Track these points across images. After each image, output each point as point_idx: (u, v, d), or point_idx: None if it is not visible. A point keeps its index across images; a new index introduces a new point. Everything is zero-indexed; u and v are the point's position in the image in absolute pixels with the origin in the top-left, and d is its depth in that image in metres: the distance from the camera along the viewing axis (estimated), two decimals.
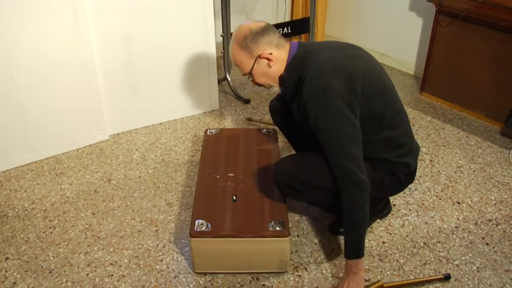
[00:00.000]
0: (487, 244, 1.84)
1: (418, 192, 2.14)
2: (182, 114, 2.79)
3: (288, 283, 1.67)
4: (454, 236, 1.88)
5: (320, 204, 1.84)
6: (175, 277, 1.70)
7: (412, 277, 1.69)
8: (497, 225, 1.94)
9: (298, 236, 1.89)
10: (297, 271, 1.72)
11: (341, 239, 1.84)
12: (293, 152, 2.17)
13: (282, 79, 1.64)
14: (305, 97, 1.50)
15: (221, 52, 3.09)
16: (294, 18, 3.80)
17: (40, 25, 2.10)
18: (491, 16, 2.43)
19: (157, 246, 1.84)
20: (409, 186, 2.15)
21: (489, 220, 1.97)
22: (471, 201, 2.09)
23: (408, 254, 1.79)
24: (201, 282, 1.67)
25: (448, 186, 2.19)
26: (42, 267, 1.74)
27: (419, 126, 2.71)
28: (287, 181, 1.64)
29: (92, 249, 1.82)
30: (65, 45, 2.21)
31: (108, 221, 1.97)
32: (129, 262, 1.76)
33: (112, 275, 1.70)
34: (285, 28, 3.07)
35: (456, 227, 1.93)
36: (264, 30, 1.60)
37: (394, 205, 2.05)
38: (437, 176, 2.25)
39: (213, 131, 2.19)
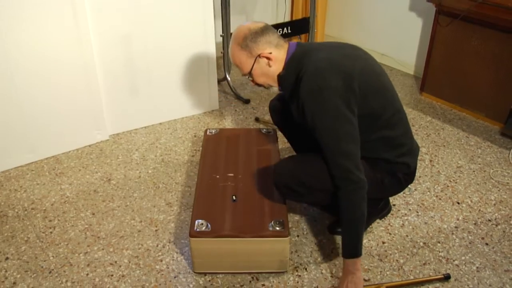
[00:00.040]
0: (486, 244, 1.84)
1: (418, 192, 2.14)
2: (182, 114, 2.79)
3: (288, 283, 1.67)
4: (454, 236, 1.88)
5: (319, 205, 1.84)
6: (175, 277, 1.70)
7: (411, 277, 1.69)
8: (496, 225, 1.94)
9: (298, 236, 1.89)
10: (297, 271, 1.72)
11: (341, 239, 1.84)
12: (293, 152, 2.17)
13: (280, 78, 1.64)
14: (303, 95, 1.50)
15: (221, 52, 3.09)
16: (294, 18, 3.80)
17: (40, 25, 2.10)
18: (491, 16, 2.43)
19: (157, 246, 1.84)
20: (409, 186, 2.15)
21: (489, 220, 1.97)
22: (471, 201, 2.09)
23: (408, 254, 1.79)
24: (201, 282, 1.67)
25: (448, 186, 2.19)
26: (42, 267, 1.74)
27: (419, 126, 2.71)
28: (287, 183, 1.64)
29: (92, 249, 1.82)
30: (65, 45, 2.21)
31: (108, 221, 1.97)
32: (129, 262, 1.76)
33: (112, 275, 1.70)
34: (285, 28, 3.07)
35: (455, 227, 1.93)
36: (263, 30, 1.61)
37: (394, 205, 2.05)
38: (437, 176, 2.25)
39: (213, 131, 2.19)
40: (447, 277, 1.67)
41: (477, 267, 1.73)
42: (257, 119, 2.76)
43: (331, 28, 3.89)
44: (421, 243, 1.85)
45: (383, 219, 1.97)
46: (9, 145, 2.25)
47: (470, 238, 1.87)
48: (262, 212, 1.68)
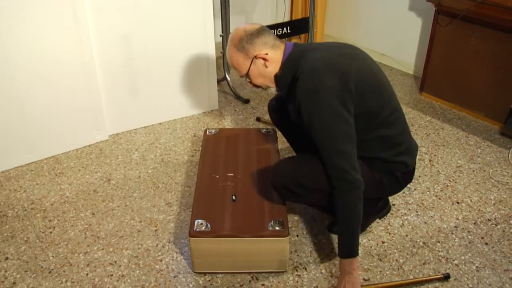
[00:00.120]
0: (486, 243, 1.84)
1: (418, 192, 2.14)
2: (181, 114, 2.79)
3: (288, 282, 1.67)
4: (454, 236, 1.88)
5: (317, 206, 1.85)
6: (174, 277, 1.70)
7: (411, 277, 1.69)
8: (496, 225, 1.94)
9: (297, 235, 1.89)
10: (296, 270, 1.72)
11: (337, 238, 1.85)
12: (293, 152, 2.17)
13: (277, 79, 1.64)
14: (299, 96, 1.51)
15: (221, 52, 3.09)
16: (293, 18, 3.80)
17: (39, 25, 2.10)
18: (490, 16, 2.43)
19: (157, 246, 1.84)
20: (409, 186, 2.15)
21: (489, 220, 1.97)
22: (471, 200, 2.09)
23: (407, 254, 1.80)
24: (200, 282, 1.67)
25: (447, 186, 2.19)
26: (42, 267, 1.74)
27: (418, 126, 2.71)
28: (285, 184, 1.65)
29: (91, 249, 1.82)
30: (65, 45, 2.21)
31: (108, 221, 1.97)
32: (129, 262, 1.77)
33: (112, 275, 1.71)
34: (285, 28, 3.06)
35: (455, 226, 1.93)
36: (259, 31, 1.62)
37: (394, 204, 2.05)
38: (437, 176, 2.25)
39: (213, 131, 2.19)
40: (446, 277, 1.67)
41: (477, 267, 1.73)
42: (258, 119, 2.76)
43: (331, 28, 3.89)
44: (421, 243, 1.85)
45: (382, 219, 1.97)
46: (9, 145, 2.25)
47: (470, 238, 1.87)
48: (261, 212, 1.68)
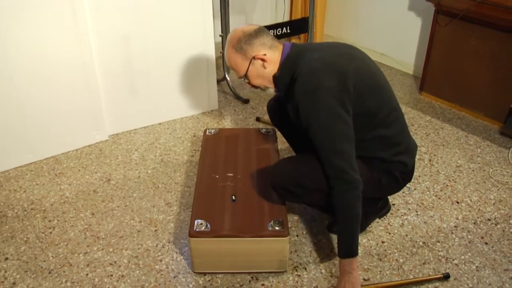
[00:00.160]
0: (486, 243, 1.84)
1: (417, 192, 2.14)
2: (181, 114, 2.79)
3: (288, 282, 1.67)
4: (453, 236, 1.88)
5: (316, 206, 1.85)
6: (174, 277, 1.70)
7: (411, 277, 1.69)
8: (496, 225, 1.94)
9: (297, 235, 1.89)
10: (296, 270, 1.72)
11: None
12: (293, 152, 2.17)
13: (275, 79, 1.64)
14: (297, 96, 1.51)
15: (220, 52, 3.09)
16: (293, 18, 3.80)
17: (39, 25, 2.10)
18: (490, 16, 2.43)
19: (157, 246, 1.84)
20: (409, 185, 2.15)
21: (488, 220, 1.97)
22: (470, 200, 2.09)
23: (407, 254, 1.80)
24: (200, 282, 1.67)
25: (447, 185, 2.19)
26: (42, 267, 1.74)
27: (418, 125, 2.71)
28: (284, 184, 1.65)
29: (91, 249, 1.82)
30: (64, 45, 2.21)
31: (108, 221, 1.97)
32: (129, 262, 1.76)
33: (112, 275, 1.70)
34: (284, 28, 3.06)
35: (455, 226, 1.93)
36: (257, 32, 1.62)
37: (393, 204, 2.05)
38: (436, 175, 2.26)
39: (212, 131, 2.19)
40: (446, 277, 1.67)
41: (477, 266, 1.73)
42: (257, 119, 2.76)
43: (330, 28, 3.89)
44: (421, 243, 1.85)
45: (382, 219, 1.97)
46: (9, 145, 2.25)
47: (470, 238, 1.87)
48: (261, 212, 1.68)
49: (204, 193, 1.79)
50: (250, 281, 1.67)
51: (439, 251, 1.80)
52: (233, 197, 1.76)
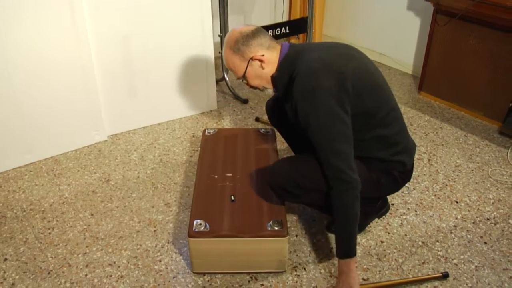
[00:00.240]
0: (485, 243, 1.84)
1: (417, 191, 2.14)
2: (180, 114, 2.79)
3: (287, 282, 1.67)
4: (453, 235, 1.88)
5: (315, 206, 1.85)
6: (173, 277, 1.70)
7: (410, 276, 1.69)
8: (495, 224, 1.94)
9: (296, 235, 1.89)
10: (295, 270, 1.72)
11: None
12: (292, 152, 2.17)
13: (274, 79, 1.64)
14: (296, 96, 1.51)
15: (219, 53, 3.08)
16: (292, 18, 3.80)
17: (37, 25, 2.10)
18: (488, 15, 2.43)
19: (156, 246, 1.84)
20: (408, 185, 2.15)
21: (488, 219, 1.97)
22: (470, 200, 2.09)
23: (406, 254, 1.80)
24: (199, 282, 1.67)
25: (446, 185, 2.19)
26: (41, 268, 1.74)
27: (417, 125, 2.71)
28: (282, 184, 1.65)
29: (90, 250, 1.82)
30: (63, 45, 2.21)
31: (107, 222, 1.97)
32: (128, 262, 1.76)
33: (111, 276, 1.70)
34: (283, 28, 3.06)
35: (454, 226, 1.94)
36: (255, 33, 1.61)
37: (393, 204, 2.05)
38: (436, 175, 2.26)
39: (211, 131, 2.19)
40: (445, 276, 1.67)
41: (476, 266, 1.73)
42: (257, 119, 2.76)
43: (329, 28, 3.89)
44: (420, 242, 1.85)
45: (381, 218, 1.97)
46: (8, 146, 2.25)
47: (469, 237, 1.87)
48: (260, 212, 1.68)
49: (203, 193, 1.79)
50: (249, 281, 1.67)
51: (438, 251, 1.80)
52: (232, 197, 1.76)
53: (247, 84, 1.70)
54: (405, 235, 1.89)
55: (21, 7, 2.03)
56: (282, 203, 1.73)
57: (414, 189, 2.16)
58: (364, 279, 1.68)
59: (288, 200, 1.78)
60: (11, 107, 2.18)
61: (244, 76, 1.66)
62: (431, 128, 2.68)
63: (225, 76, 3.08)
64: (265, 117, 2.76)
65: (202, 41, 2.63)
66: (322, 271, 1.72)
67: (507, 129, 2.54)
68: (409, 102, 2.98)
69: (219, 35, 2.91)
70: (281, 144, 2.41)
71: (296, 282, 1.67)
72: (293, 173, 1.62)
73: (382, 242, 1.85)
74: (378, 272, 1.71)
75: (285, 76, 1.60)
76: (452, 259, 1.77)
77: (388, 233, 1.90)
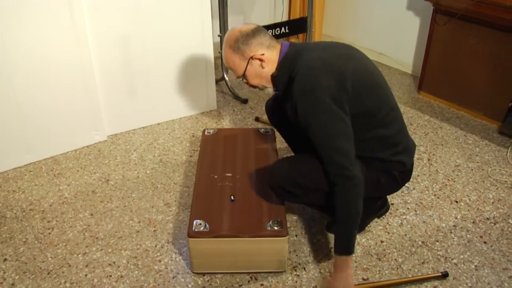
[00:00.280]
0: (485, 242, 1.85)
1: (416, 191, 2.14)
2: (180, 114, 2.79)
3: (287, 282, 1.67)
4: (452, 235, 1.89)
5: (315, 205, 1.85)
6: (173, 278, 1.70)
7: (410, 276, 1.69)
8: (495, 224, 1.94)
9: (296, 235, 1.89)
10: (295, 270, 1.72)
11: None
12: (291, 152, 2.17)
13: (273, 79, 1.64)
14: (295, 95, 1.51)
15: (219, 52, 3.08)
16: (291, 18, 3.80)
17: (37, 26, 2.10)
18: (488, 15, 2.43)
19: (156, 246, 1.84)
20: (407, 185, 2.15)
21: (487, 219, 1.97)
22: (469, 199, 2.09)
23: (406, 253, 1.80)
24: (199, 282, 1.67)
25: (446, 185, 2.19)
26: (41, 268, 1.74)
27: (417, 125, 2.71)
28: (282, 184, 1.65)
29: (90, 250, 1.82)
30: (63, 46, 2.21)
31: (107, 222, 1.97)
32: (128, 262, 1.76)
33: (111, 276, 1.70)
34: (283, 28, 3.06)
35: (454, 225, 1.94)
36: (255, 32, 1.61)
37: (392, 204, 2.05)
38: (435, 175, 2.26)
39: (211, 131, 2.19)
40: (445, 275, 1.67)
41: (476, 266, 1.73)
42: (257, 119, 2.76)
43: (329, 28, 3.89)
44: (420, 242, 1.85)
45: (381, 218, 1.97)
46: (7, 146, 2.25)
47: (469, 237, 1.87)
48: (260, 212, 1.68)
49: (203, 193, 1.79)
50: (249, 281, 1.67)
51: (438, 251, 1.81)
52: (232, 197, 1.76)
53: (247, 83, 1.70)
54: (405, 234, 1.89)
55: (21, 7, 2.03)
56: (282, 203, 1.73)
57: (414, 189, 2.16)
58: (364, 279, 1.68)
59: (288, 200, 1.78)
60: (11, 107, 2.18)
61: (244, 75, 1.66)
62: (431, 127, 2.68)
63: (225, 76, 3.08)
64: (264, 117, 2.76)
65: (202, 41, 2.63)
66: (322, 271, 1.72)
67: (507, 129, 2.54)
68: (408, 101, 2.98)
69: (218, 35, 2.91)
70: (281, 144, 2.41)
71: (296, 282, 1.67)
72: (293, 173, 1.62)
73: (382, 242, 1.85)
74: (378, 272, 1.71)
75: (285, 75, 1.60)
76: (452, 259, 1.77)
77: (388, 232, 1.90)
